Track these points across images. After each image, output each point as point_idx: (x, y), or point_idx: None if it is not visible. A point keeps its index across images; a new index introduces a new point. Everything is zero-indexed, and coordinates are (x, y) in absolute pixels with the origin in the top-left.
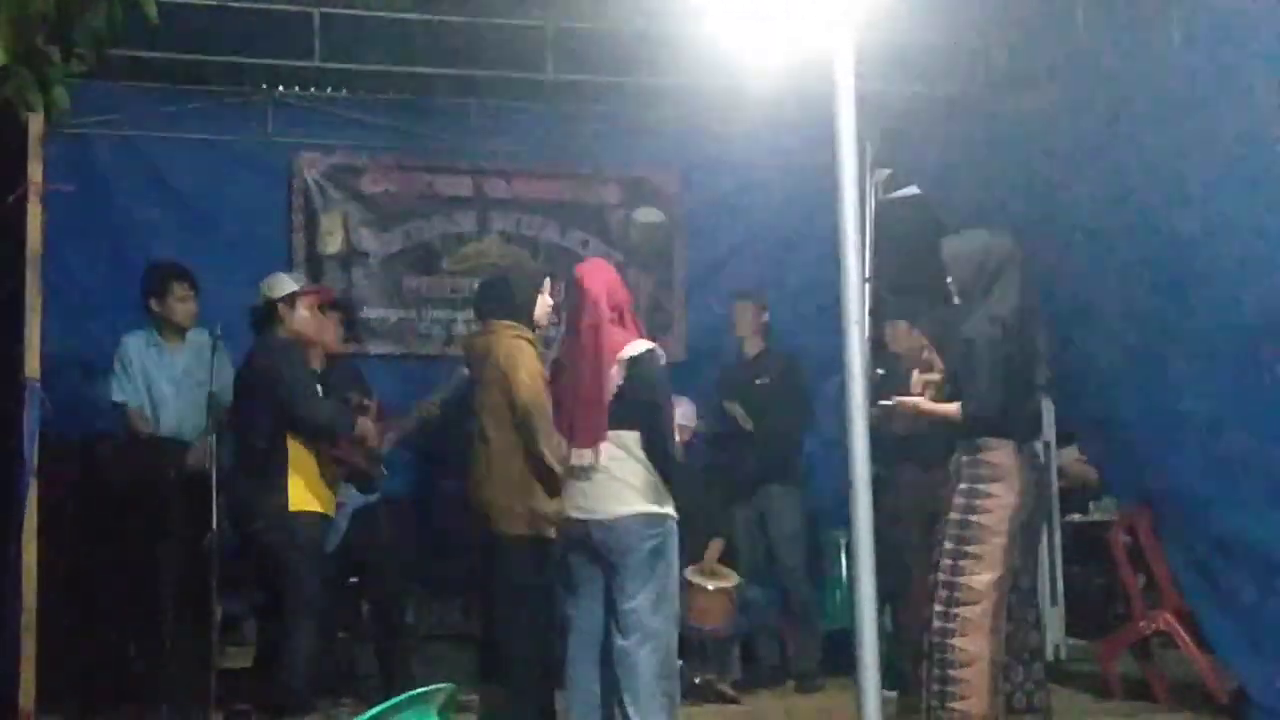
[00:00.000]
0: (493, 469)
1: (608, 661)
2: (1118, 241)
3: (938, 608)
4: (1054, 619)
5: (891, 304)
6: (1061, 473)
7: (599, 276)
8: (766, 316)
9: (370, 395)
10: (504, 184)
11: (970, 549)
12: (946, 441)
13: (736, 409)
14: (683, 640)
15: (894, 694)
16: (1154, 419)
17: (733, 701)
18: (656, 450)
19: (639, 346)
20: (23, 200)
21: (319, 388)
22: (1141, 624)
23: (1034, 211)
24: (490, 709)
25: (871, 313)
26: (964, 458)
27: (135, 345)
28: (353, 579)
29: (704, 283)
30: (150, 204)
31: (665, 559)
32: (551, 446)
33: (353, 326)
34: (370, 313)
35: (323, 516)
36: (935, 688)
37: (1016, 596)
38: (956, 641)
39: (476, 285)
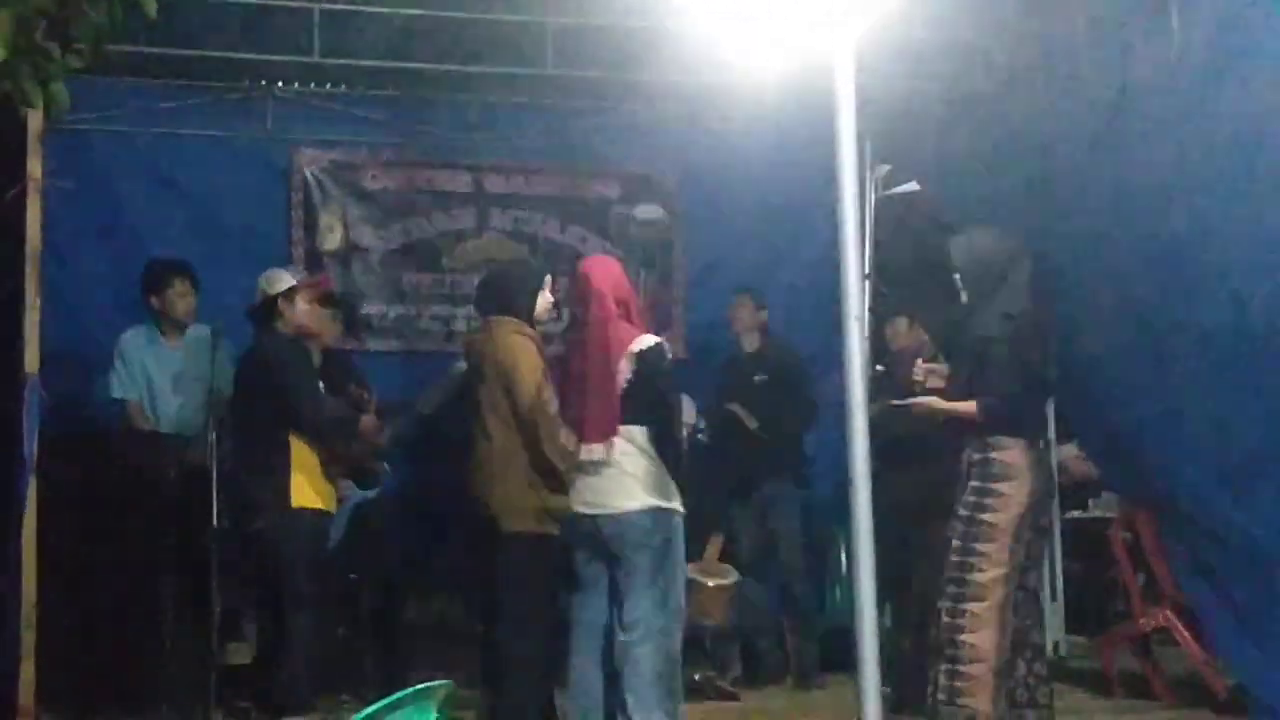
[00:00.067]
0: (495, 465)
1: (610, 659)
2: (1118, 239)
3: (945, 604)
4: (1054, 616)
5: (891, 300)
6: (1061, 470)
7: (605, 271)
8: (764, 312)
9: (367, 388)
10: (503, 180)
11: (979, 546)
12: (947, 439)
13: (741, 411)
14: (683, 637)
15: (886, 689)
16: (1154, 416)
17: (733, 698)
18: (665, 444)
19: (647, 341)
20: (22, 196)
21: (321, 384)
22: (1141, 621)
23: (1033, 209)
24: (491, 707)
25: (871, 309)
26: (975, 456)
27: (135, 341)
28: (352, 575)
29: (703, 280)
30: (149, 200)
31: (672, 555)
32: (556, 445)
33: (352, 323)
34: (370, 309)
35: (324, 513)
36: (944, 682)
37: (1023, 594)
38: (966, 638)
39: (476, 282)
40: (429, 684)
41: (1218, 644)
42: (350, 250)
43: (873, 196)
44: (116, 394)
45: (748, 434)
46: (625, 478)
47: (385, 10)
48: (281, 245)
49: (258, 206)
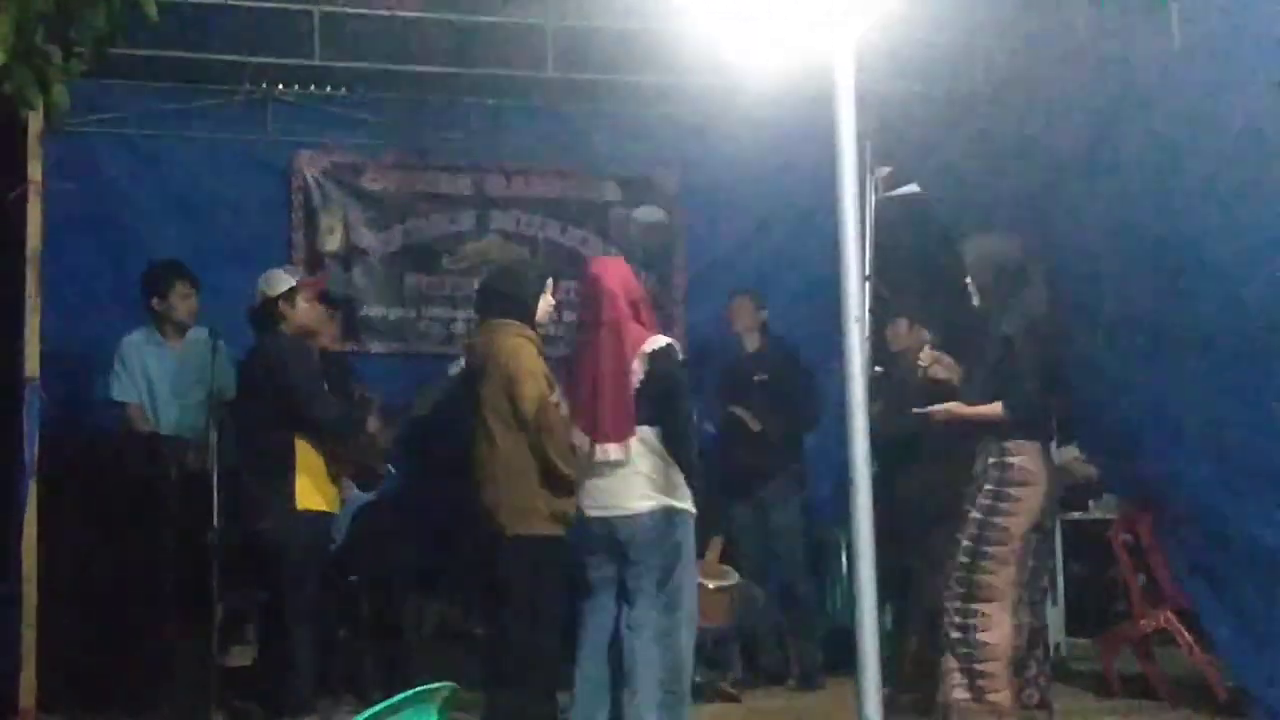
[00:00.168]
0: (499, 469)
1: (618, 661)
2: (1118, 240)
3: (954, 604)
4: (1054, 617)
5: (891, 302)
6: (1062, 472)
7: (616, 272)
8: (764, 313)
9: (365, 389)
10: (504, 182)
11: (989, 549)
12: (957, 442)
13: (744, 413)
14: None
15: (886, 690)
16: (1154, 417)
17: (734, 700)
18: (677, 445)
19: (659, 341)
20: (23, 199)
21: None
22: (1142, 622)
23: (1034, 210)
24: (494, 709)
25: (871, 311)
26: (991, 460)
27: (135, 344)
28: (353, 577)
29: (704, 281)
30: (150, 202)
31: (683, 555)
32: (562, 450)
33: (350, 324)
34: (370, 311)
35: (329, 515)
36: (961, 680)
37: (1036, 595)
38: (981, 637)
39: (477, 284)
40: (430, 685)
41: (1218, 645)
42: (350, 252)
43: (873, 198)
44: (117, 396)
45: (749, 435)
46: (639, 478)
47: (385, 13)
48: (282, 247)
49: (258, 208)
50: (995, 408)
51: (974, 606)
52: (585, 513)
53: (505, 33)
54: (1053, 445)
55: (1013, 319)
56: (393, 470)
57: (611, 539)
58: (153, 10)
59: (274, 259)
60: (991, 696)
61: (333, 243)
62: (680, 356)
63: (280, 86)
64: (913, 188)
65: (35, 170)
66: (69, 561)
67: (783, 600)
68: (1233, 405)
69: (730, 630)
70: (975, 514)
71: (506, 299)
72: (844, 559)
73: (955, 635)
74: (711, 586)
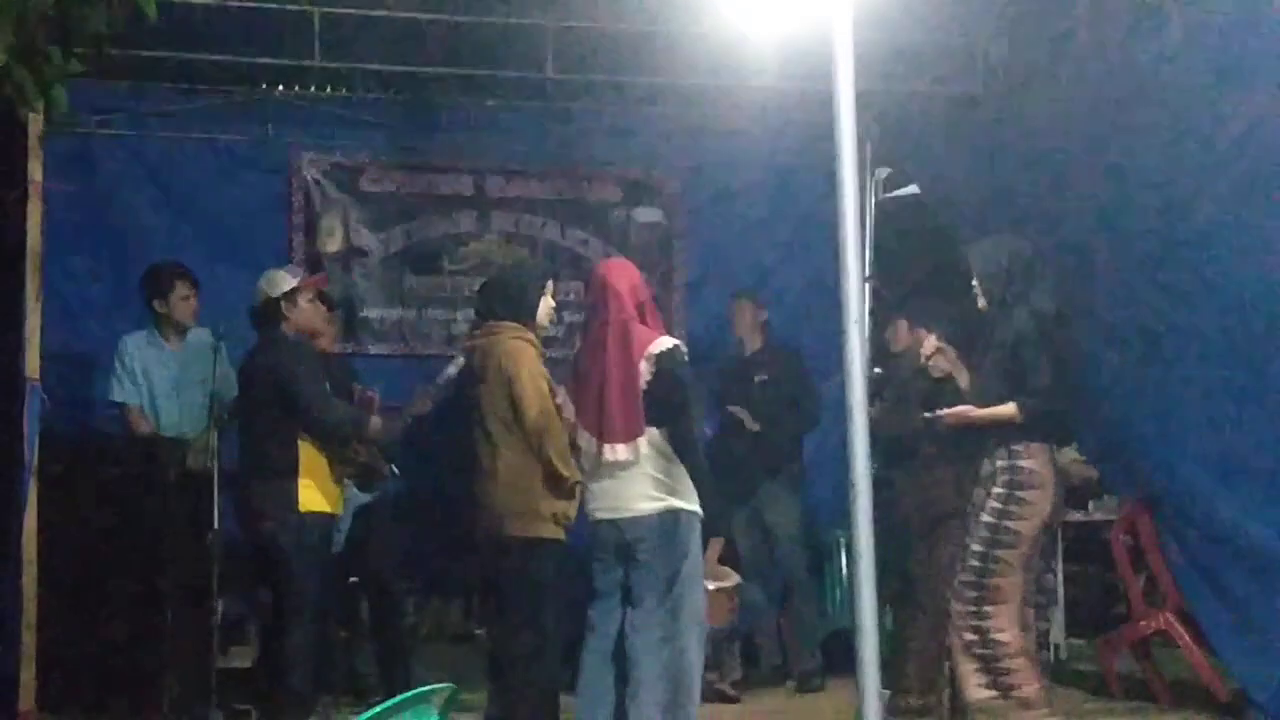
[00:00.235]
0: (500, 470)
1: (623, 664)
2: (1118, 240)
3: (968, 608)
4: (1053, 618)
5: (892, 303)
6: (1061, 473)
7: (623, 274)
8: (765, 314)
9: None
10: (504, 183)
11: (1000, 553)
12: (954, 443)
13: (742, 413)
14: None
15: (887, 692)
16: (1154, 417)
17: (733, 701)
18: (684, 446)
19: (665, 343)
20: (23, 199)
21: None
22: (1141, 623)
23: (1034, 210)
24: (497, 711)
25: (871, 312)
26: (1000, 462)
27: (135, 345)
28: (353, 578)
29: (704, 282)
30: (150, 203)
31: (690, 557)
32: (563, 452)
33: (350, 325)
34: (370, 312)
35: (332, 516)
36: (986, 679)
37: (1042, 598)
38: (998, 636)
39: (478, 285)
40: (431, 687)
41: (1218, 646)
42: (351, 253)
43: (873, 199)
44: (117, 398)
45: (748, 436)
46: (645, 480)
47: (385, 14)
48: (282, 248)
49: (258, 210)
50: (1008, 409)
51: (987, 609)
52: (592, 515)
53: (506, 34)
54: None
55: (1022, 320)
56: (395, 471)
57: (619, 541)
58: (153, 10)
59: (274, 260)
60: (1018, 692)
61: (333, 244)
62: (686, 357)
63: (280, 87)
64: (913, 188)
65: (35, 171)
66: (69, 562)
67: (782, 601)
68: (1232, 405)
69: (730, 631)
70: (986, 517)
71: (507, 300)
72: (844, 560)
73: (971, 637)
74: (711, 588)
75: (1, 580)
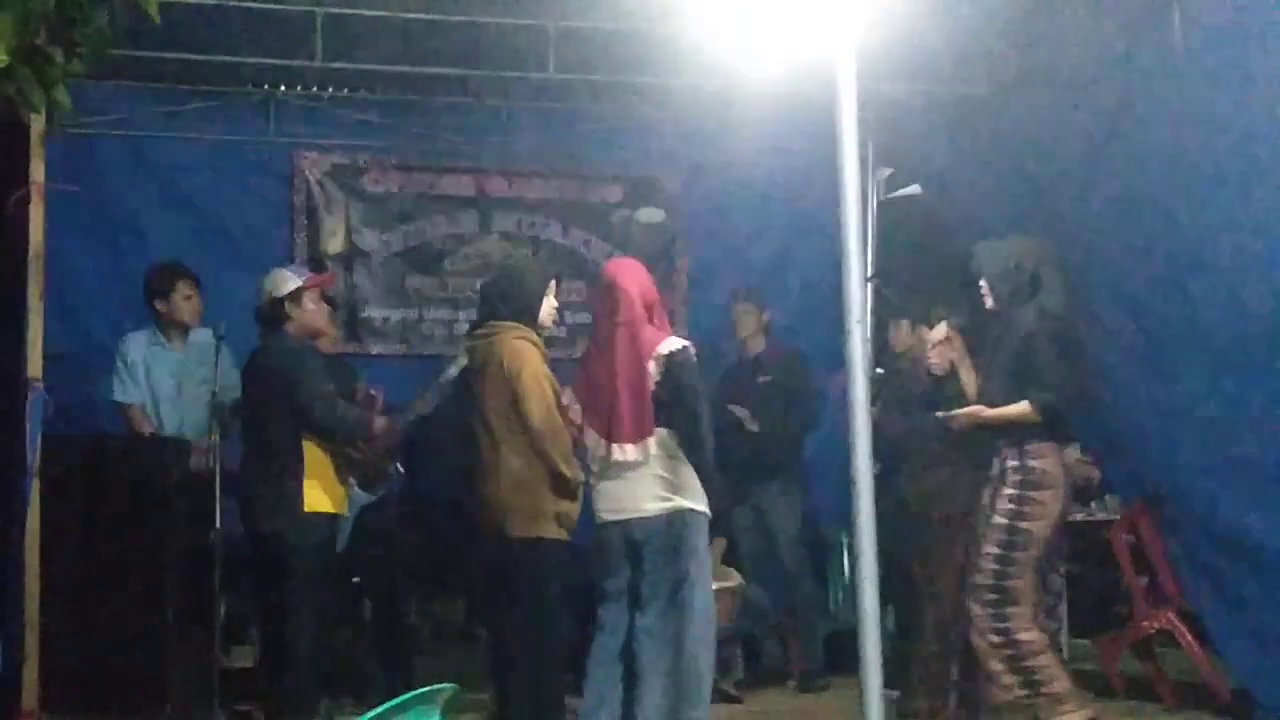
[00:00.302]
0: (502, 471)
1: (630, 666)
2: (1120, 240)
3: (988, 610)
4: (1061, 617)
5: (893, 303)
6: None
7: (633, 275)
8: (767, 316)
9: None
10: (505, 183)
11: (1017, 555)
12: (962, 443)
13: (742, 412)
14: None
15: (896, 693)
16: (1157, 417)
17: (736, 701)
18: (693, 446)
19: (674, 344)
20: (25, 200)
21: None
22: (1144, 623)
23: (1036, 211)
24: (500, 712)
25: (873, 312)
26: (1011, 463)
27: (137, 345)
28: (355, 578)
29: (705, 282)
30: (152, 204)
31: (699, 556)
32: (566, 453)
33: (352, 326)
34: (372, 312)
35: (336, 516)
36: (1015, 679)
37: (1049, 598)
38: (1022, 636)
39: (479, 285)
40: (433, 687)
41: (1220, 646)
42: (352, 253)
43: (874, 200)
44: (119, 398)
45: (747, 436)
46: (653, 480)
47: (387, 14)
48: (284, 248)
49: (260, 210)
50: (1021, 408)
51: (1007, 610)
52: (600, 517)
53: (507, 34)
54: None
55: (1033, 319)
56: (400, 470)
57: (627, 542)
58: (154, 11)
59: (276, 260)
60: (1048, 689)
61: (335, 244)
62: (695, 358)
63: (282, 88)
64: (914, 189)
65: (37, 171)
66: (72, 562)
67: (784, 601)
68: (1234, 405)
69: (731, 631)
70: (999, 519)
71: (509, 300)
72: (845, 559)
73: (995, 639)
74: (714, 588)
75: (4, 581)
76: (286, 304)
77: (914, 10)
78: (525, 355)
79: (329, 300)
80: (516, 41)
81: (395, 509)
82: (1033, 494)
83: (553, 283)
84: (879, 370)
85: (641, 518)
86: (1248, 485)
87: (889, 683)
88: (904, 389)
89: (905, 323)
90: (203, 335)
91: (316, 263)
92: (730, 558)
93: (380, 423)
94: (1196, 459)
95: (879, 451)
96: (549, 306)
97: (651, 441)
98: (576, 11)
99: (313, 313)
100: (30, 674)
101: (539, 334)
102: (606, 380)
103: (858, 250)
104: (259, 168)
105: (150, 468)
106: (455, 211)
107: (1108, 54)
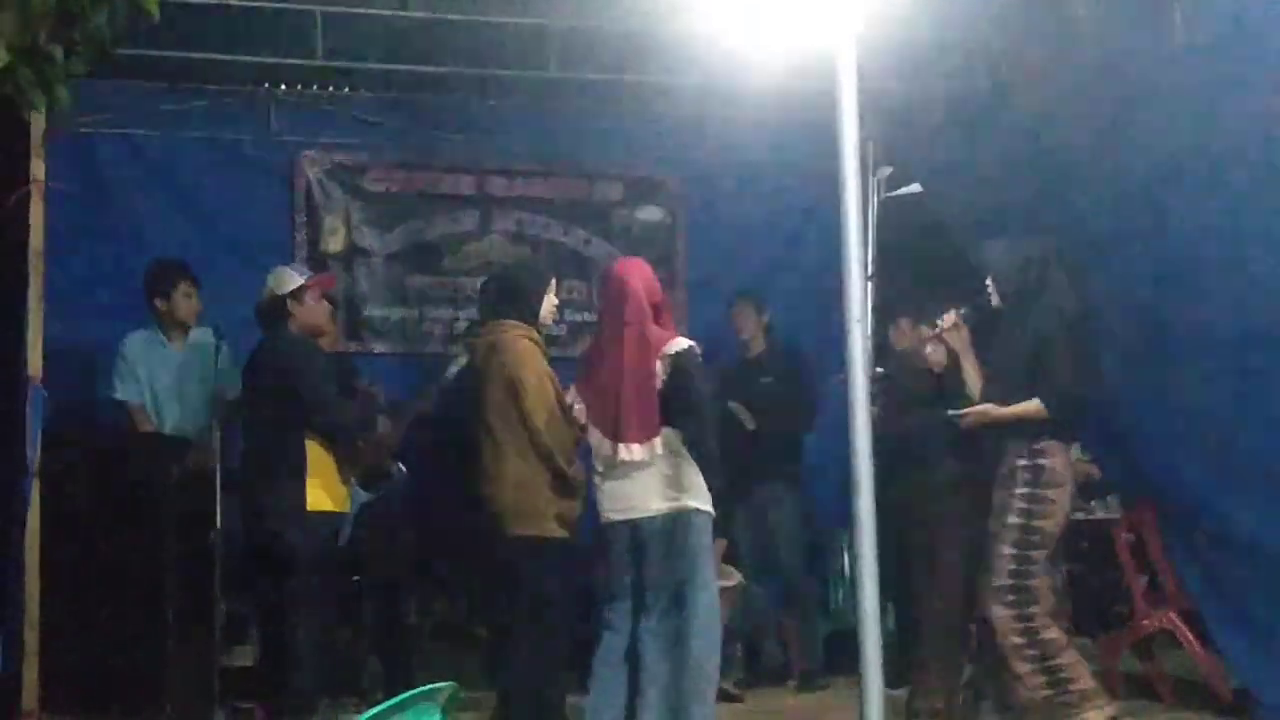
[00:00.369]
0: (504, 470)
1: (635, 666)
2: (1120, 240)
3: (1009, 611)
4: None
5: (894, 302)
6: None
7: (638, 274)
8: (767, 315)
9: (370, 386)
10: (506, 182)
11: (1034, 554)
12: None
13: (740, 409)
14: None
15: (897, 693)
16: (1158, 417)
17: (736, 700)
18: (699, 446)
19: (680, 343)
20: (25, 199)
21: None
22: (1145, 622)
23: (1036, 210)
24: (501, 711)
25: (874, 310)
26: (1020, 462)
27: (137, 343)
28: (356, 577)
29: (706, 281)
30: (152, 203)
31: (704, 556)
32: (568, 452)
33: (353, 325)
34: (373, 311)
35: (338, 515)
36: (1043, 679)
37: (1054, 598)
38: (1046, 635)
39: (480, 284)
40: (433, 686)
41: (1221, 646)
42: (353, 252)
43: (875, 198)
44: (119, 396)
45: (746, 434)
46: (659, 479)
47: (388, 13)
48: (284, 247)
49: (261, 209)
50: (1031, 406)
51: (1029, 610)
52: (606, 517)
53: (508, 33)
54: None
55: (1043, 317)
56: (402, 469)
57: (632, 541)
58: (155, 10)
59: (276, 259)
60: (1075, 686)
61: (335, 243)
62: (700, 358)
63: (283, 87)
64: (914, 188)
65: (38, 169)
66: (72, 561)
67: (784, 601)
68: (1234, 405)
69: (731, 631)
70: (1014, 519)
71: (510, 299)
72: (845, 559)
73: (1019, 640)
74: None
75: (4, 581)
76: (288, 302)
77: (915, 8)
78: (526, 354)
79: (329, 299)
80: (518, 40)
81: (396, 508)
82: (1044, 492)
83: (553, 281)
84: (879, 369)
85: (648, 517)
86: (1250, 485)
87: (890, 682)
88: (905, 388)
89: (905, 321)
90: (203, 334)
91: (317, 262)
92: (730, 557)
93: (383, 422)
94: (1198, 458)
95: (880, 450)
96: (549, 305)
97: (658, 441)
98: (577, 11)
99: (314, 310)
100: (30, 674)
101: (540, 332)
102: (612, 380)
103: (858, 249)
104: (259, 166)
105: (150, 467)
106: (456, 210)
107: (1108, 52)
